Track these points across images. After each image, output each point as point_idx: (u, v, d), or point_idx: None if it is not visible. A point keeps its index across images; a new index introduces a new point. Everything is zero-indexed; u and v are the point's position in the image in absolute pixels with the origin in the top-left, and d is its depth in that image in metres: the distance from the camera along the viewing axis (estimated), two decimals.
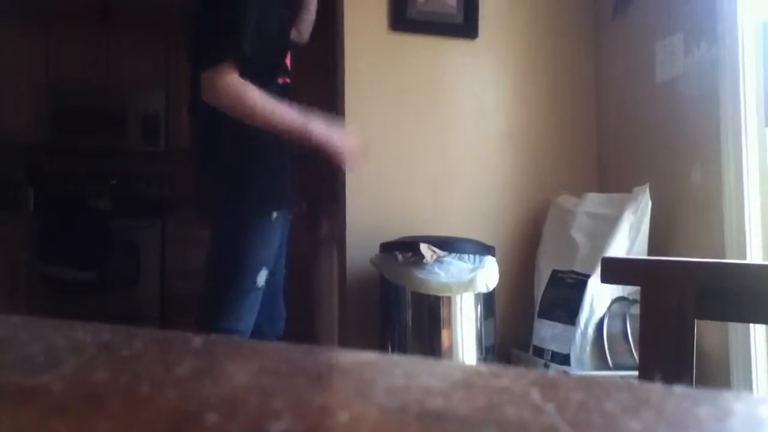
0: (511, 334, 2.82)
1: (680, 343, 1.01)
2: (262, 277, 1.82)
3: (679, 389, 0.28)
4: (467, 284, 2.31)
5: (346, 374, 0.32)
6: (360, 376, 0.31)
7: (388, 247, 2.45)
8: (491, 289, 2.38)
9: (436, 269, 2.29)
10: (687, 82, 2.54)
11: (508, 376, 0.30)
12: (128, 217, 4.18)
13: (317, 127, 1.77)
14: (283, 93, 1.90)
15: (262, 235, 1.83)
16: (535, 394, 0.27)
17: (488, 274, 2.34)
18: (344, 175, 2.52)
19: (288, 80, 1.98)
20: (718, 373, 2.30)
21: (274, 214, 1.85)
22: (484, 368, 0.31)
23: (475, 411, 0.26)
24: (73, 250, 3.99)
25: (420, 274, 2.29)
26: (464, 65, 2.97)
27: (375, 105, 2.81)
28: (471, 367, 0.42)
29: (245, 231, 1.81)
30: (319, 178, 2.48)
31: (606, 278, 1.09)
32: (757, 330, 2.21)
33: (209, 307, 1.84)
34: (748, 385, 2.22)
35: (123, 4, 4.37)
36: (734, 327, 2.27)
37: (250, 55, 1.73)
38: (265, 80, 1.80)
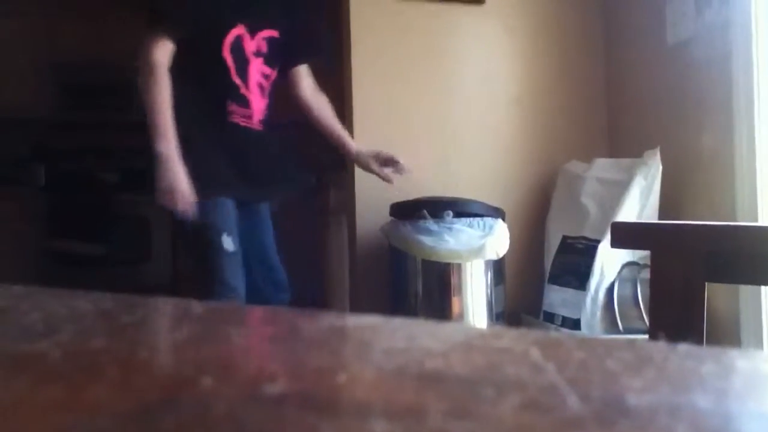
0: (521, 300, 2.82)
1: (690, 306, 1.00)
2: (227, 242, 1.94)
3: (682, 347, 0.27)
4: (477, 251, 2.30)
5: (346, 337, 0.32)
6: (360, 339, 0.31)
7: (398, 211, 2.46)
8: (501, 255, 2.37)
9: (446, 236, 2.29)
10: (698, 45, 2.49)
11: (509, 337, 0.29)
12: (137, 190, 4.18)
13: (163, 150, 1.99)
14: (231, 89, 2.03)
15: (212, 212, 1.96)
16: (536, 354, 0.27)
17: (498, 241, 2.33)
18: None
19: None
20: (729, 337, 2.30)
21: (218, 198, 1.98)
22: (486, 330, 0.31)
23: (474, 371, 0.25)
24: (83, 224, 4.01)
25: (429, 242, 2.29)
26: (472, 31, 2.92)
27: (382, 73, 2.78)
28: (473, 328, 0.42)
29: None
30: (327, 148, 2.47)
31: (616, 243, 1.08)
32: None
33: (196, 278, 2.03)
34: (758, 348, 2.21)
35: None
36: (745, 290, 2.26)
37: (173, 29, 1.98)
38: (200, 58, 2.03)
